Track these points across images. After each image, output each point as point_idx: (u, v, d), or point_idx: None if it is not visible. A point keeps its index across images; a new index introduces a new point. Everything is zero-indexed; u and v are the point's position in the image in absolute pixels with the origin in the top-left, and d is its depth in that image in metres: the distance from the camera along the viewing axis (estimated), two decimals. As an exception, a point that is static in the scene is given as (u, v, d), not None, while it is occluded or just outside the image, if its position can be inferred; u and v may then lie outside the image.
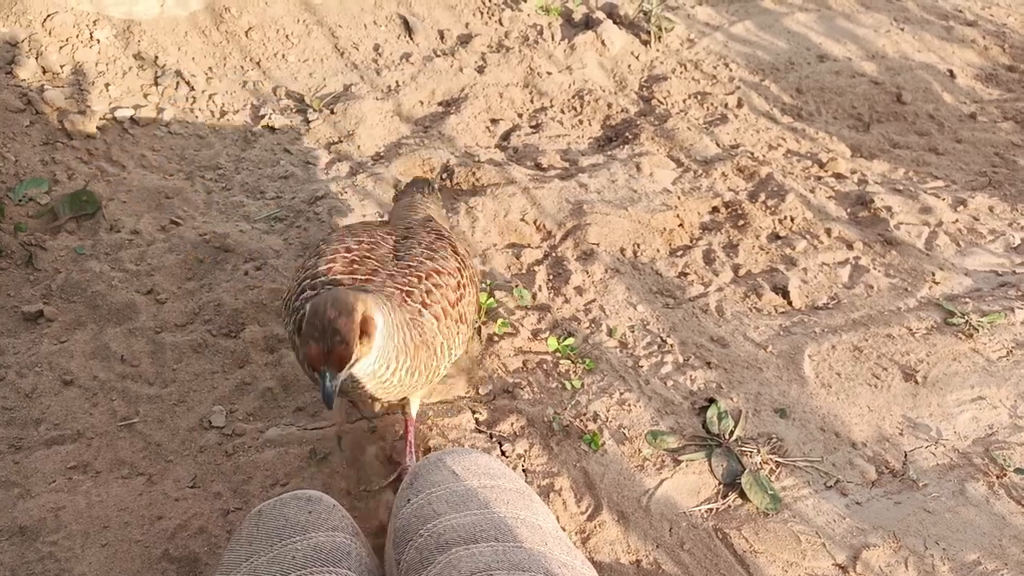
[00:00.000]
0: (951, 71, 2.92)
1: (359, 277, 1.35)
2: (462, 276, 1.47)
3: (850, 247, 2.15)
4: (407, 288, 1.35)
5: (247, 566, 1.11)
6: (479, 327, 1.81)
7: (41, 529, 1.39)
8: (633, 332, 1.87)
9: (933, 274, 2.07)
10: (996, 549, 1.47)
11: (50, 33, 2.43)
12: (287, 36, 2.68)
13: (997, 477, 1.59)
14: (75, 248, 1.93)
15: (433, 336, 1.35)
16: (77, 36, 2.46)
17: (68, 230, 1.98)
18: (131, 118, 2.34)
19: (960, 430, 1.69)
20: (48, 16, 2.44)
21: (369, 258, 1.40)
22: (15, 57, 2.34)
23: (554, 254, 2.06)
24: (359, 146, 2.39)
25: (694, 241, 2.16)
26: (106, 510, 1.44)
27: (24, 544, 1.37)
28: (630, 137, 2.51)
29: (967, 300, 1.99)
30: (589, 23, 2.95)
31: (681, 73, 2.83)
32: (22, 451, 1.52)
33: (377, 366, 1.25)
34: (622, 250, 2.09)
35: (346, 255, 1.39)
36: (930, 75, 2.88)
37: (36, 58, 2.37)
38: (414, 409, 1.54)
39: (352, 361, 1.18)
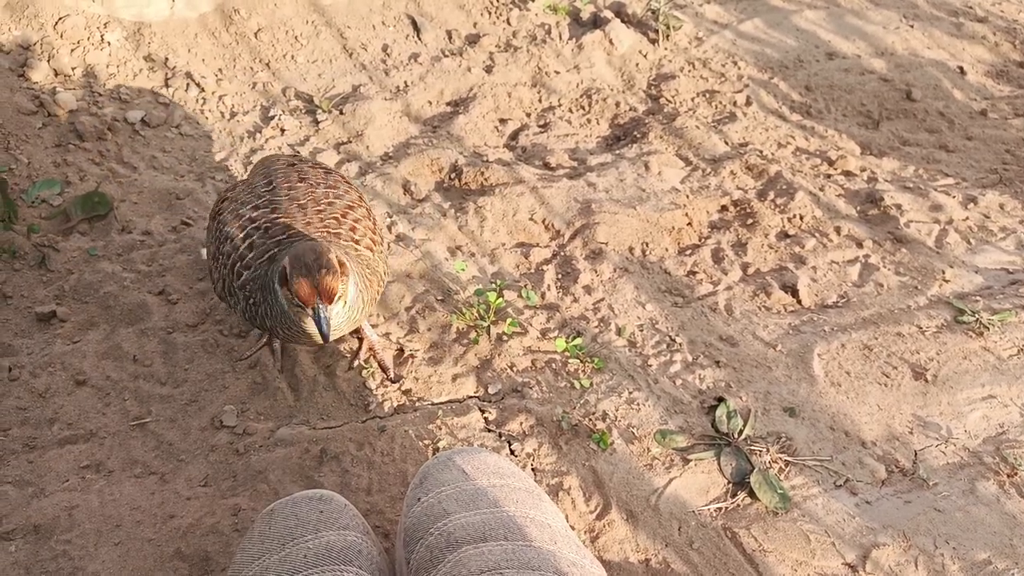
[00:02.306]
0: (961, 68, 2.91)
1: (282, 239, 1.42)
2: (364, 201, 1.59)
3: (860, 245, 2.14)
4: (334, 231, 1.45)
5: (258, 564, 1.12)
6: (488, 327, 1.81)
7: (55, 527, 1.41)
8: (642, 331, 1.87)
9: (943, 272, 2.06)
10: (1007, 548, 1.47)
11: (62, 36, 2.44)
12: (296, 37, 2.70)
13: (1008, 476, 1.59)
14: (87, 249, 1.94)
15: (375, 264, 1.49)
16: (88, 38, 2.47)
17: (80, 231, 2.00)
18: (142, 120, 2.36)
19: (971, 429, 1.69)
20: (60, 19, 2.46)
21: (278, 219, 1.45)
22: (27, 60, 2.36)
23: (563, 253, 2.06)
24: (368, 146, 2.40)
25: (703, 240, 2.16)
26: (119, 509, 1.45)
27: (38, 542, 1.39)
28: (638, 136, 2.51)
29: (978, 298, 1.99)
30: (597, 22, 2.95)
31: (689, 71, 2.83)
32: (36, 450, 1.54)
33: (352, 300, 1.37)
34: (631, 249, 2.10)
35: (254, 226, 1.45)
36: (940, 72, 2.87)
37: (48, 60, 2.39)
38: (370, 332, 1.74)
39: (339, 294, 1.29)
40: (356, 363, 1.73)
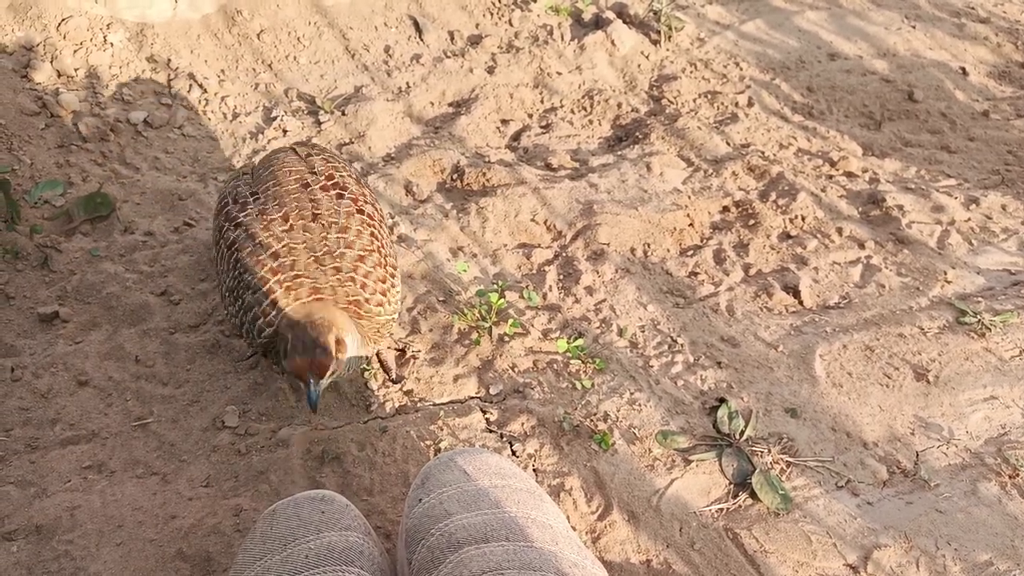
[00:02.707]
0: (963, 69, 2.91)
1: (303, 298, 1.46)
2: (377, 239, 1.57)
3: (861, 246, 2.14)
4: (349, 291, 1.49)
5: (260, 565, 1.12)
6: (489, 327, 1.81)
7: (57, 528, 1.41)
8: (643, 332, 1.87)
9: (945, 273, 2.06)
10: (1008, 549, 1.46)
11: (65, 37, 2.45)
12: (298, 38, 2.70)
13: (1010, 477, 1.59)
14: (90, 250, 1.95)
15: (378, 315, 1.52)
16: (91, 39, 2.48)
17: (83, 232, 2.01)
18: (144, 120, 2.36)
19: (972, 430, 1.69)
20: (63, 20, 2.46)
21: (299, 278, 1.47)
22: (30, 61, 2.37)
23: (564, 254, 2.06)
24: (370, 147, 2.41)
25: (704, 241, 2.16)
26: (121, 509, 1.45)
27: (40, 543, 1.39)
28: (640, 137, 2.51)
29: (979, 299, 1.99)
30: (599, 23, 2.95)
31: (691, 72, 2.83)
32: (38, 451, 1.54)
33: (347, 367, 1.46)
34: (632, 250, 2.10)
35: (275, 280, 1.48)
36: (942, 73, 2.86)
37: (51, 61, 2.40)
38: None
39: (331, 370, 1.40)
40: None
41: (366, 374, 1.72)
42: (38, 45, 2.42)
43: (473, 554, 1.09)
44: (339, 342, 1.41)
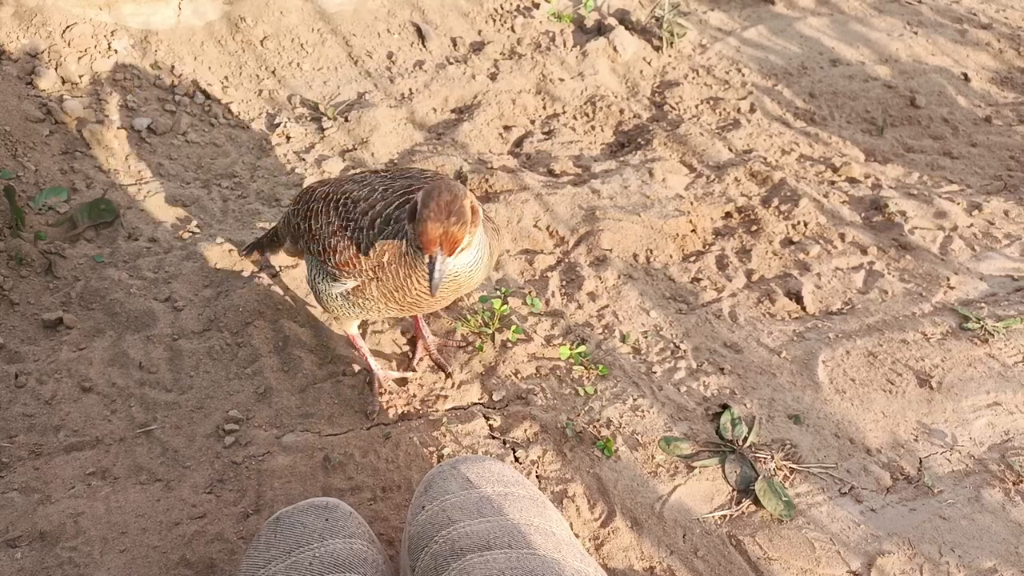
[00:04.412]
0: (965, 74, 2.91)
1: (402, 192, 1.38)
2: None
3: (864, 252, 2.14)
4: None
5: (264, 572, 1.12)
6: (492, 334, 1.82)
7: (61, 535, 1.41)
8: (646, 338, 1.87)
9: (948, 279, 2.06)
10: (1013, 556, 1.46)
11: (69, 44, 2.46)
12: (302, 45, 2.71)
13: (1014, 484, 1.59)
14: (94, 256, 1.95)
15: (491, 238, 1.43)
16: (95, 46, 2.49)
17: (87, 238, 2.01)
18: (148, 127, 2.37)
19: (976, 436, 1.68)
20: (67, 27, 2.47)
21: (394, 181, 1.43)
22: (35, 68, 2.38)
23: (567, 260, 2.07)
24: (373, 153, 2.41)
25: (707, 247, 2.16)
26: (124, 516, 1.46)
27: (44, 549, 1.39)
28: (643, 143, 2.51)
29: (982, 305, 1.98)
30: (601, 29, 2.96)
31: (693, 78, 2.84)
32: (42, 457, 1.54)
33: (476, 256, 1.32)
34: (635, 256, 2.10)
35: (382, 182, 1.43)
36: (944, 79, 2.87)
37: (56, 68, 2.41)
38: (426, 331, 1.76)
39: (463, 245, 1.23)
40: (414, 363, 1.76)
41: (369, 379, 1.72)
42: (43, 52, 2.43)
43: (476, 561, 1.09)
44: (475, 212, 1.25)
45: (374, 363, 1.69)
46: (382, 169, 1.59)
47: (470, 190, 1.50)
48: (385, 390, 1.69)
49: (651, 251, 2.11)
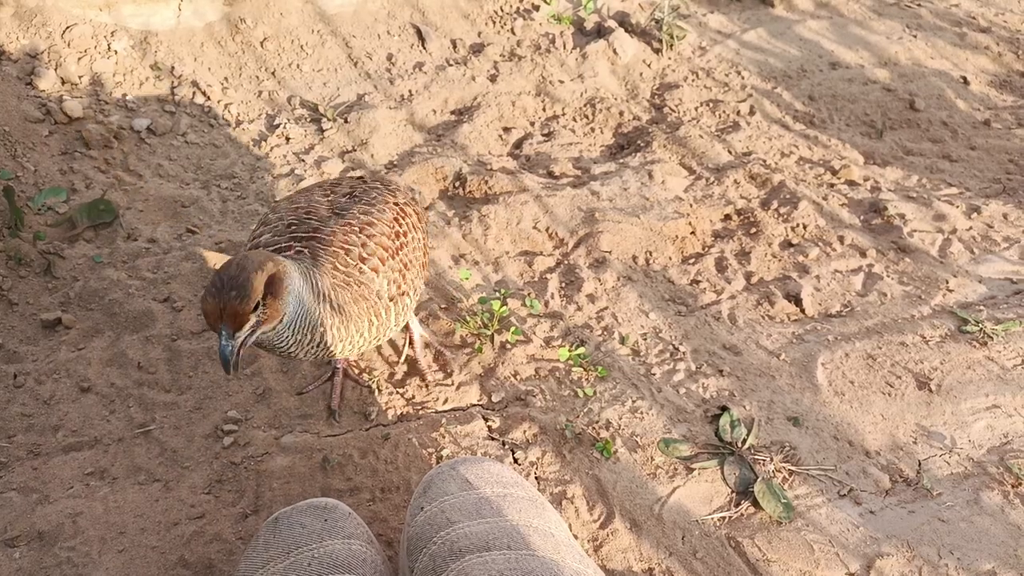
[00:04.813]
0: (964, 78, 2.91)
1: (300, 235, 1.37)
2: (400, 225, 1.51)
3: (863, 255, 2.14)
4: (347, 246, 1.39)
5: (263, 573, 1.12)
6: (492, 335, 1.82)
7: (59, 534, 1.41)
8: (645, 340, 1.87)
9: (947, 282, 2.06)
10: (1011, 559, 1.46)
11: (69, 44, 2.46)
12: (302, 46, 2.71)
13: (1012, 486, 1.59)
14: (93, 256, 1.95)
15: (378, 289, 1.40)
16: (95, 47, 2.49)
17: (86, 239, 2.01)
18: (148, 128, 2.37)
19: (974, 439, 1.68)
20: (67, 28, 2.47)
21: (309, 219, 1.42)
22: (35, 68, 2.38)
23: (566, 262, 2.07)
24: (372, 154, 2.41)
25: (706, 249, 2.16)
26: (123, 516, 1.45)
27: (42, 549, 1.39)
28: (642, 145, 2.52)
29: (981, 308, 1.99)
30: (601, 32, 2.96)
31: (693, 81, 2.84)
32: (40, 457, 1.54)
33: (293, 329, 1.24)
34: (634, 258, 2.10)
35: (285, 220, 1.42)
36: (943, 82, 2.87)
37: (55, 69, 2.41)
38: (416, 328, 1.76)
39: (252, 321, 1.15)
40: (403, 357, 1.78)
41: (368, 380, 1.72)
42: (43, 52, 2.43)
43: (475, 562, 1.09)
44: (275, 282, 1.17)
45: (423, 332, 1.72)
46: (320, 193, 1.54)
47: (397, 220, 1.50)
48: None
49: (650, 253, 2.11)
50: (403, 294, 1.46)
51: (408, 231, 1.53)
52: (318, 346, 1.31)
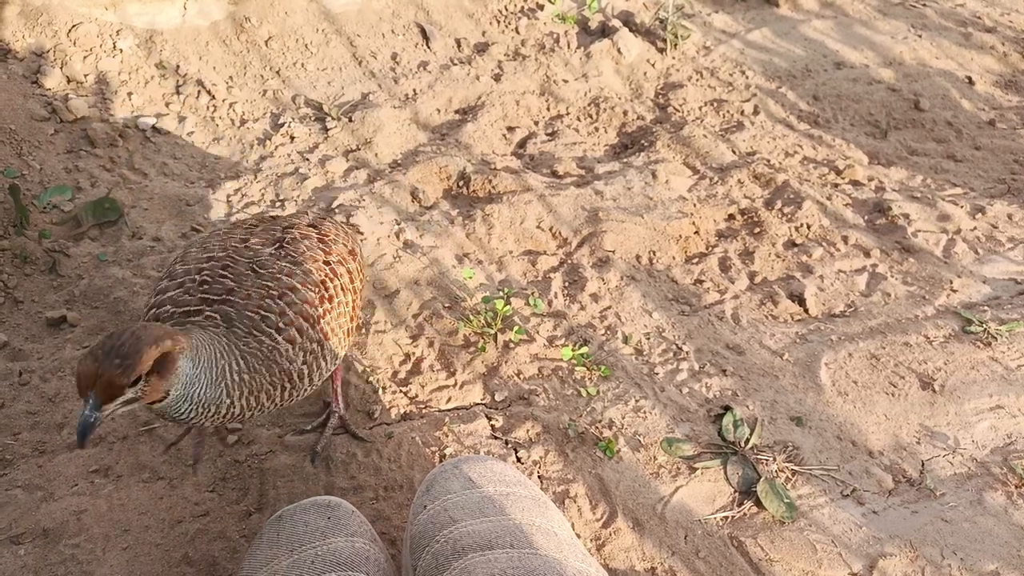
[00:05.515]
0: (969, 78, 2.91)
1: (212, 297, 1.26)
2: (328, 288, 1.37)
3: (867, 255, 2.14)
4: (262, 312, 1.27)
5: (267, 570, 1.12)
6: (495, 334, 1.82)
7: (63, 532, 1.42)
8: (648, 339, 1.87)
9: (951, 282, 2.06)
10: (1015, 559, 1.46)
11: (75, 43, 2.47)
12: (306, 45, 2.71)
13: (1016, 487, 1.58)
14: (98, 255, 1.96)
15: (290, 360, 1.28)
16: (100, 46, 2.50)
17: (91, 237, 2.02)
18: (153, 126, 2.37)
19: (978, 439, 1.68)
20: (73, 26, 2.48)
21: (224, 277, 1.28)
22: (41, 67, 2.38)
23: (570, 261, 2.07)
24: (377, 153, 2.42)
25: (710, 248, 2.16)
26: (127, 514, 1.46)
27: (47, 546, 1.40)
28: (646, 144, 2.52)
29: (985, 308, 1.98)
30: (605, 31, 2.96)
31: (697, 80, 2.84)
32: (45, 455, 1.55)
33: (190, 404, 1.15)
34: (638, 257, 2.10)
35: (196, 277, 1.29)
36: (948, 82, 2.87)
37: (61, 67, 2.41)
38: (338, 404, 1.63)
39: (126, 396, 1.05)
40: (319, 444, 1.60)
41: (372, 379, 1.73)
42: (48, 51, 2.43)
43: (478, 560, 1.09)
44: (164, 364, 1.08)
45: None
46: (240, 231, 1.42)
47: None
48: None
49: (654, 253, 2.11)
50: (323, 359, 1.36)
51: (335, 295, 1.39)
52: (223, 417, 1.23)
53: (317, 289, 1.35)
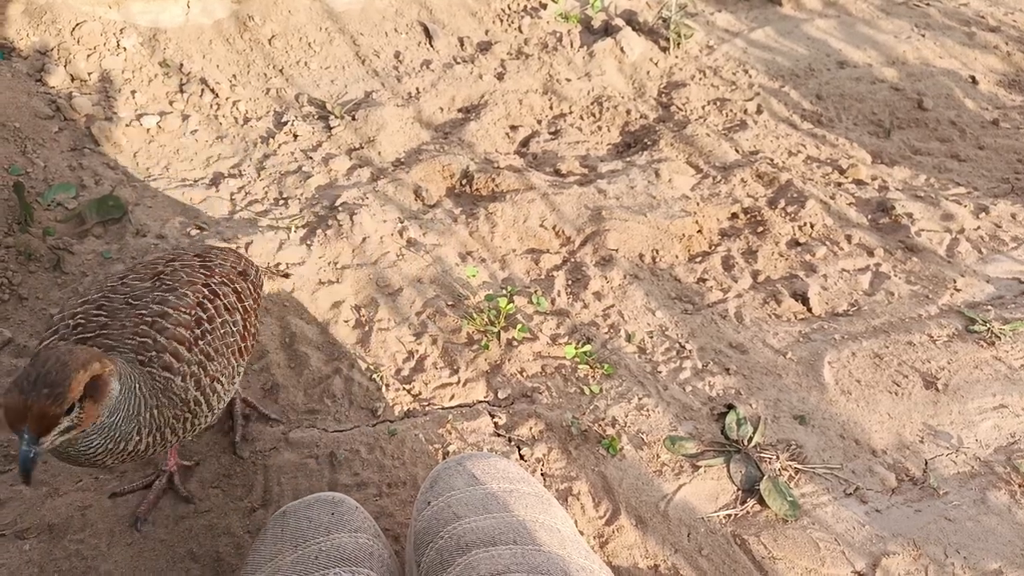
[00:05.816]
0: (973, 77, 2.91)
1: (87, 336, 1.20)
2: (205, 310, 1.32)
3: (871, 254, 2.14)
4: (139, 338, 1.21)
5: (271, 566, 1.12)
6: (498, 332, 1.82)
7: (68, 527, 1.42)
8: (652, 338, 1.87)
9: (955, 281, 2.06)
10: (1018, 558, 1.46)
11: (79, 41, 2.47)
12: (309, 44, 2.72)
13: (1019, 486, 1.58)
14: (102, 252, 1.96)
15: (184, 390, 1.23)
16: (104, 44, 2.50)
17: (95, 234, 2.02)
18: (157, 124, 2.38)
19: (981, 438, 1.68)
20: (77, 25, 2.49)
21: (98, 316, 1.23)
22: (45, 65, 2.39)
23: (573, 260, 2.07)
24: (380, 152, 2.42)
25: (713, 247, 2.16)
26: (131, 509, 1.46)
27: (52, 541, 1.40)
28: (649, 143, 2.52)
29: (989, 307, 1.98)
30: (608, 30, 2.96)
31: (700, 79, 2.84)
32: (50, 451, 1.55)
33: (105, 437, 1.09)
34: (641, 256, 2.10)
35: (70, 322, 1.23)
36: (952, 81, 2.86)
37: (65, 66, 2.42)
38: (237, 406, 1.59)
39: (62, 426, 1.00)
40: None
41: (375, 377, 1.73)
42: (52, 49, 2.44)
43: (481, 557, 1.09)
44: (96, 387, 1.03)
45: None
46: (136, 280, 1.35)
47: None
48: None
49: (657, 251, 2.11)
50: (214, 380, 1.30)
51: (215, 315, 1.33)
52: (130, 454, 1.16)
53: (192, 311, 1.29)
